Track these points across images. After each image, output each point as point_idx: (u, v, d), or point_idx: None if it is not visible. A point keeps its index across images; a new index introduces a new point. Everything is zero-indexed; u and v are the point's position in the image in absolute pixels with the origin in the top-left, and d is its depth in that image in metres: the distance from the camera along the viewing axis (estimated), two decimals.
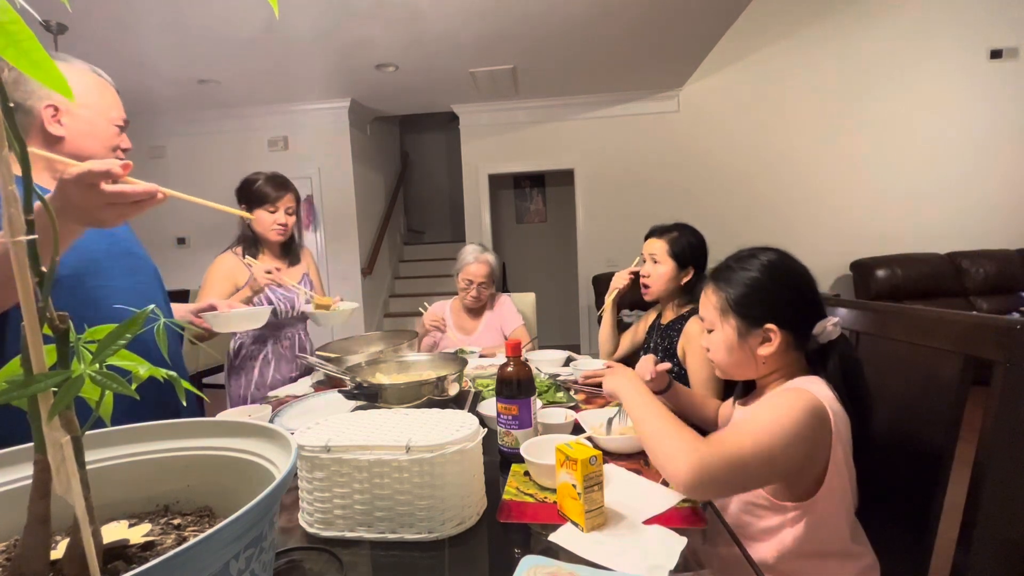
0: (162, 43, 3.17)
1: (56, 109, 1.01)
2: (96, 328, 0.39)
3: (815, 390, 0.81)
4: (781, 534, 0.83)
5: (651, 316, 1.74)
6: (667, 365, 1.23)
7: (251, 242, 1.77)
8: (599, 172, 4.85)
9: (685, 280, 1.54)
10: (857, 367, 0.89)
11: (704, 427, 1.31)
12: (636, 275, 1.69)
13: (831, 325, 0.87)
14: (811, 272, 0.92)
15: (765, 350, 0.88)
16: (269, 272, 1.56)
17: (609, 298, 1.77)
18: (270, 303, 1.72)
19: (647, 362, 1.25)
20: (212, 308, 1.30)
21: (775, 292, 0.89)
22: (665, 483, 0.86)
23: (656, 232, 1.60)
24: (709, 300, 0.95)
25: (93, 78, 1.07)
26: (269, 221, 1.73)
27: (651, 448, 0.81)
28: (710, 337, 0.96)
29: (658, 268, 1.56)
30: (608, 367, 1.45)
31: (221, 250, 1.83)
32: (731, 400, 1.27)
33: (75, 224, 0.80)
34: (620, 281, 1.74)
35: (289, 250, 1.85)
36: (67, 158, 1.00)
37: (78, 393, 0.35)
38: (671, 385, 1.28)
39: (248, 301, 1.57)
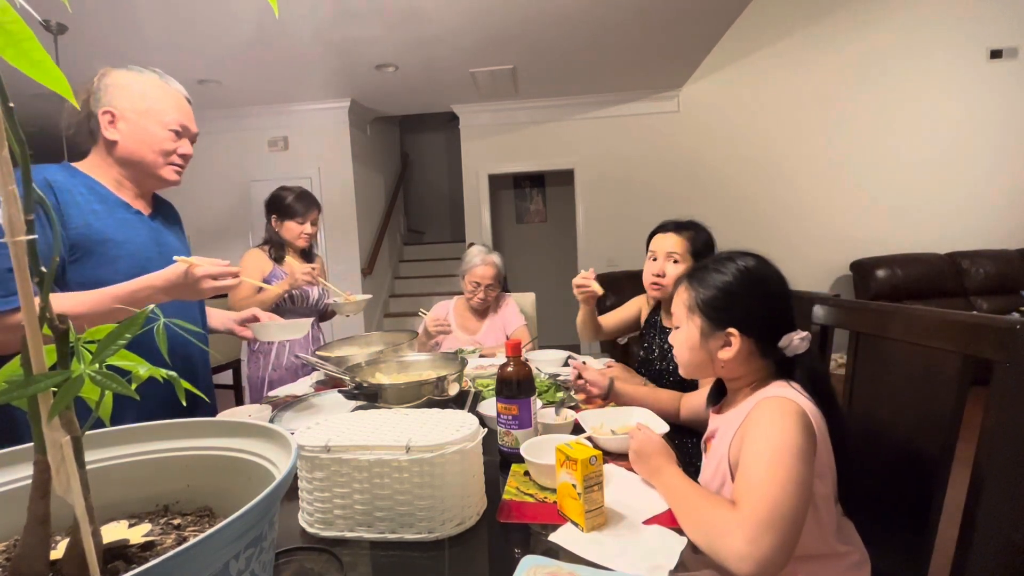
0: (162, 43, 3.17)
1: (113, 115, 1.07)
2: (96, 328, 0.39)
3: (791, 396, 0.80)
4: None
5: (643, 303, 1.68)
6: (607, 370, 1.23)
7: (277, 246, 2.02)
8: (599, 172, 4.85)
9: None
10: (826, 384, 0.86)
11: (666, 417, 1.27)
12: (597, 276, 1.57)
13: (798, 339, 0.85)
14: (788, 281, 0.90)
15: (724, 354, 0.87)
16: (306, 272, 1.87)
17: (584, 306, 1.62)
18: (291, 295, 1.97)
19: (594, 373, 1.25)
20: (255, 319, 1.37)
21: (744, 299, 0.87)
22: None
23: (671, 227, 1.48)
24: (680, 297, 0.94)
25: (153, 82, 1.12)
26: (297, 231, 2.00)
27: (696, 541, 0.72)
28: (675, 333, 0.96)
29: (679, 268, 1.43)
30: (608, 366, 1.45)
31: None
32: (696, 393, 1.25)
33: (174, 298, 1.00)
34: (587, 286, 1.54)
35: (307, 255, 2.11)
36: (124, 162, 1.11)
37: (78, 393, 0.35)
38: (611, 389, 1.25)
39: (280, 295, 1.90)
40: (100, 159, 1.11)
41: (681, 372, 0.97)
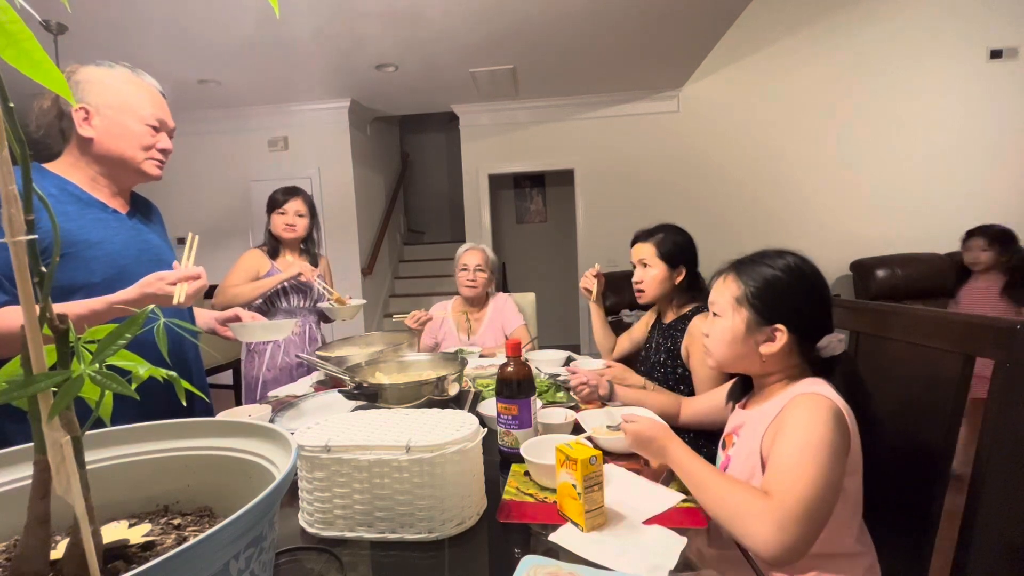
0: (162, 43, 3.17)
1: (87, 112, 1.03)
2: (96, 328, 0.39)
3: (827, 392, 0.81)
4: None
5: (651, 316, 1.74)
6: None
7: (271, 242, 2.05)
8: (599, 172, 4.85)
9: (679, 279, 1.53)
10: (860, 385, 0.88)
11: (665, 418, 1.29)
12: (603, 273, 1.78)
13: (837, 340, 0.87)
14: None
15: (767, 348, 0.88)
16: (307, 272, 1.91)
17: (591, 302, 1.81)
18: (286, 292, 2.00)
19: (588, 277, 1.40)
20: (237, 319, 1.34)
21: (793, 294, 0.88)
22: (666, 482, 0.86)
23: (641, 236, 1.59)
24: (727, 287, 0.94)
25: (126, 77, 1.09)
26: (279, 222, 2.02)
27: (720, 519, 0.75)
28: (714, 322, 0.95)
29: (649, 271, 1.54)
30: (608, 367, 1.45)
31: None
32: (698, 398, 1.26)
33: (139, 307, 0.94)
34: (589, 282, 1.77)
35: (309, 253, 2.12)
36: (101, 159, 1.07)
37: (78, 393, 0.35)
38: (612, 392, 1.28)
39: (275, 288, 1.94)
40: (74, 158, 1.07)
41: (714, 365, 0.98)
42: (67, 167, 1.08)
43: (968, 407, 0.87)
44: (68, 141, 1.07)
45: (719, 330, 0.94)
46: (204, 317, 1.36)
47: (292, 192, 2.03)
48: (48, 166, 1.07)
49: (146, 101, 1.10)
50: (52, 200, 1.00)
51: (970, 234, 2.87)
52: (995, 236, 2.76)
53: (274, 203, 2.01)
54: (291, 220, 2.01)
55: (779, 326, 0.87)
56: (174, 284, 0.98)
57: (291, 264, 1.99)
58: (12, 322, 0.88)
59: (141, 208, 1.22)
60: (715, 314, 0.96)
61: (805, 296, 0.89)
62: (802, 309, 0.88)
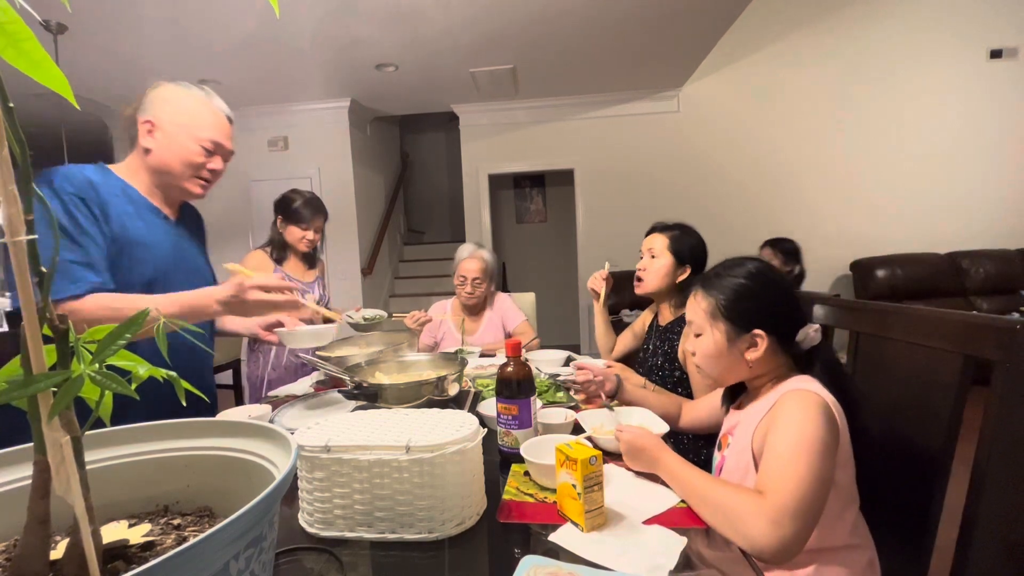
0: (162, 43, 3.17)
1: (152, 125, 1.11)
2: (96, 328, 0.39)
3: (814, 389, 0.83)
4: None
5: (648, 317, 1.74)
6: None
7: (280, 247, 2.02)
8: (599, 172, 4.85)
9: (681, 278, 1.53)
10: (841, 371, 0.90)
11: (666, 419, 1.28)
12: (613, 275, 1.79)
13: (813, 331, 0.90)
14: (800, 278, 0.95)
15: (752, 354, 0.90)
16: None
17: (598, 303, 1.81)
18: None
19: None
20: (279, 325, 1.39)
21: (762, 298, 0.91)
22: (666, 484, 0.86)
23: (658, 228, 1.60)
24: (699, 305, 0.96)
25: (197, 98, 1.16)
26: (299, 236, 2.01)
27: (715, 524, 0.75)
28: (697, 341, 0.97)
29: (655, 262, 1.55)
30: (608, 366, 1.45)
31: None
32: (698, 402, 1.27)
33: (229, 314, 1.06)
34: (597, 284, 1.77)
35: (310, 258, 2.14)
36: (153, 170, 1.15)
37: (78, 393, 0.35)
38: (620, 387, 1.26)
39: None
40: (136, 165, 1.15)
41: (709, 379, 0.99)
42: (129, 171, 1.15)
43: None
44: (135, 147, 1.15)
45: (703, 347, 0.96)
46: (246, 322, 1.40)
47: (318, 210, 2.02)
48: (111, 167, 1.14)
49: (208, 123, 1.16)
50: (115, 199, 1.08)
51: (763, 244, 3.00)
52: (782, 249, 2.89)
53: (298, 216, 1.97)
54: (311, 236, 2.01)
55: (757, 331, 0.89)
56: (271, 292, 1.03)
57: (294, 269, 2.02)
58: (114, 303, 0.97)
59: (188, 217, 1.30)
60: (697, 334, 0.97)
61: (774, 297, 0.91)
62: (774, 310, 0.91)
